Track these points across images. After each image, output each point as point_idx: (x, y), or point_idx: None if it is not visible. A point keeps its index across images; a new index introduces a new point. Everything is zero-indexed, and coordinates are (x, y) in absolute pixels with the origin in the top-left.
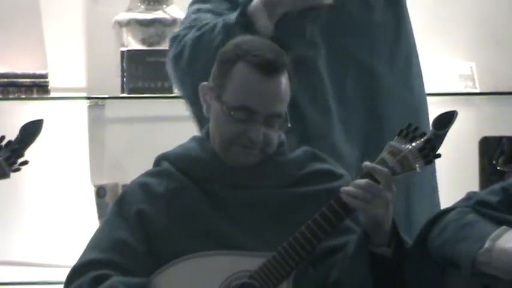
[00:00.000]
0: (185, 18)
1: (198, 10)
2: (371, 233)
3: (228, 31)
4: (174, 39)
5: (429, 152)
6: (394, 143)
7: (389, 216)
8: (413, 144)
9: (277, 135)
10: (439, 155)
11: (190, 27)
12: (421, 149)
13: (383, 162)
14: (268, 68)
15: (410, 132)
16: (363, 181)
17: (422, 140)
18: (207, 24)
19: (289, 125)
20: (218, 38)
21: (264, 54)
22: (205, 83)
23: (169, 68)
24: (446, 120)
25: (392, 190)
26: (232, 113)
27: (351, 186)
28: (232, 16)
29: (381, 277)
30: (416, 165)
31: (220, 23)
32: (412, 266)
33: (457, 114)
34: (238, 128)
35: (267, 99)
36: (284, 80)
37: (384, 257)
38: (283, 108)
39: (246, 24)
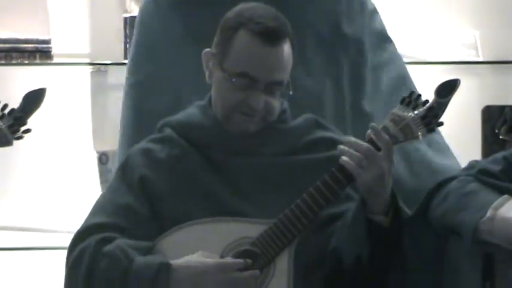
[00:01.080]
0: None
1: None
2: (368, 201)
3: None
4: None
5: (431, 120)
6: (397, 110)
7: (385, 186)
8: (416, 112)
9: (278, 103)
10: (441, 123)
11: None
12: (423, 117)
13: (385, 130)
14: (270, 36)
15: (412, 100)
16: (364, 145)
17: (424, 108)
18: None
19: (291, 93)
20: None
21: (266, 22)
22: (208, 49)
23: None
24: (449, 88)
25: (392, 160)
26: (233, 80)
27: (351, 147)
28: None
29: (379, 246)
30: (419, 133)
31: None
32: (413, 235)
33: (459, 82)
34: (239, 95)
35: (268, 67)
36: (286, 48)
37: (381, 225)
38: (284, 76)
39: None
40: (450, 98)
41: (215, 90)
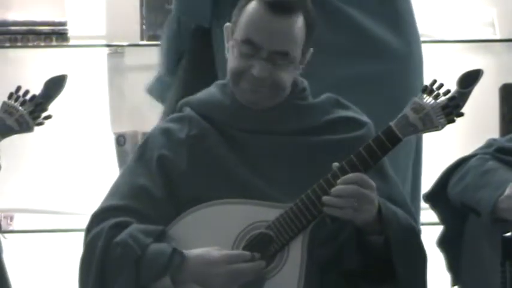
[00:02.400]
0: None
1: None
2: (362, 227)
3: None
4: None
5: (452, 110)
6: (418, 99)
7: (374, 211)
8: (437, 101)
9: (288, 76)
10: (462, 113)
11: None
12: (444, 107)
13: (405, 118)
14: (279, 7)
15: (434, 89)
16: (348, 188)
17: (446, 97)
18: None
19: (303, 67)
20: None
21: None
22: (229, 23)
23: None
24: (471, 78)
25: (372, 185)
26: (239, 47)
27: (336, 192)
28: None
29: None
30: (439, 123)
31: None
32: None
33: (482, 72)
34: (243, 62)
35: (273, 35)
36: (297, 22)
37: (378, 243)
38: (290, 47)
39: None
40: (472, 89)
41: (228, 62)
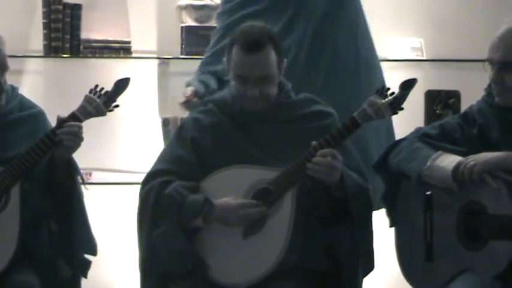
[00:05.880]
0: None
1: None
2: (330, 185)
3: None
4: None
5: (396, 106)
6: (372, 98)
7: (338, 175)
8: (386, 99)
9: (272, 87)
10: (402, 108)
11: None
12: (390, 103)
13: (363, 111)
14: (250, 48)
15: (384, 92)
16: (324, 159)
17: (391, 97)
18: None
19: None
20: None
21: (249, 37)
22: (225, 58)
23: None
24: (409, 84)
25: (339, 158)
26: (234, 79)
27: (316, 161)
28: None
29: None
30: (386, 114)
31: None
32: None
33: (416, 81)
34: (241, 88)
35: (252, 68)
36: (267, 51)
37: (340, 196)
38: (267, 71)
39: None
40: (410, 91)
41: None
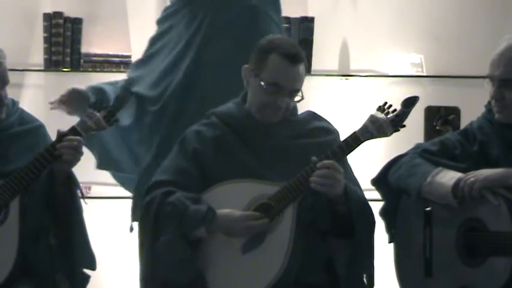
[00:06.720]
0: None
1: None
2: (333, 199)
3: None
4: None
5: (397, 123)
6: (374, 114)
7: (342, 189)
8: (388, 116)
9: (293, 103)
10: (404, 125)
11: None
12: (392, 121)
13: (365, 127)
14: (294, 58)
15: (386, 108)
16: (327, 172)
17: (393, 114)
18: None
19: (303, 98)
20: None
21: (292, 48)
22: (246, 65)
23: None
24: (411, 101)
25: (341, 171)
26: (265, 87)
27: (319, 174)
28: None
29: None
30: (388, 131)
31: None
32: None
33: (418, 98)
34: (270, 97)
35: (292, 79)
36: (302, 67)
37: (343, 210)
38: (300, 85)
39: None
40: (411, 109)
41: (251, 95)
